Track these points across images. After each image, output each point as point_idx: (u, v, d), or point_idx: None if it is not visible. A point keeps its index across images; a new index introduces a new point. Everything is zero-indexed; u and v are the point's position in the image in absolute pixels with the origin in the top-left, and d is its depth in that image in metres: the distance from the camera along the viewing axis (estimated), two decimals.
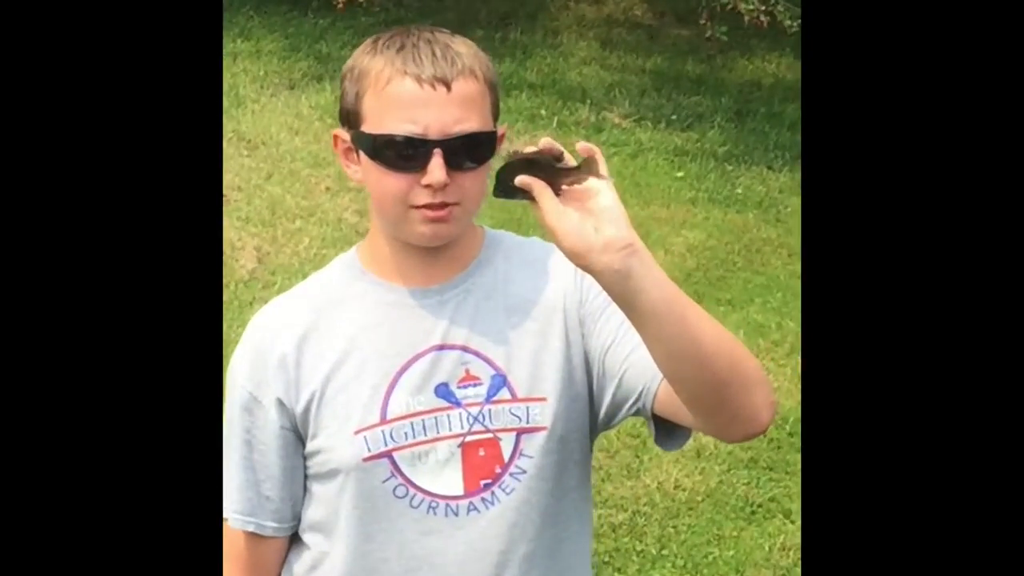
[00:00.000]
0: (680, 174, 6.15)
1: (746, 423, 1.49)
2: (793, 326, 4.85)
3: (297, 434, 1.64)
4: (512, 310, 1.64)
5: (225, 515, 1.68)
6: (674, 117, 6.74)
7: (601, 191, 1.37)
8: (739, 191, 6.05)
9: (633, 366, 1.58)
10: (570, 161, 1.39)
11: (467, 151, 1.54)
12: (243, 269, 4.99)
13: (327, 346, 1.62)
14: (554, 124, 6.46)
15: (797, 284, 5.14)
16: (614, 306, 1.50)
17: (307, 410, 1.61)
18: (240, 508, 1.67)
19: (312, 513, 1.67)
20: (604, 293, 1.51)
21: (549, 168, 1.38)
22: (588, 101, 6.80)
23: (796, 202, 5.93)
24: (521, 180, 1.37)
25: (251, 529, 1.67)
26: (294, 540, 1.71)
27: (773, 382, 4.41)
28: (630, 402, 1.60)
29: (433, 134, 1.52)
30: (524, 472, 1.61)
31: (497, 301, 1.64)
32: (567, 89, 6.96)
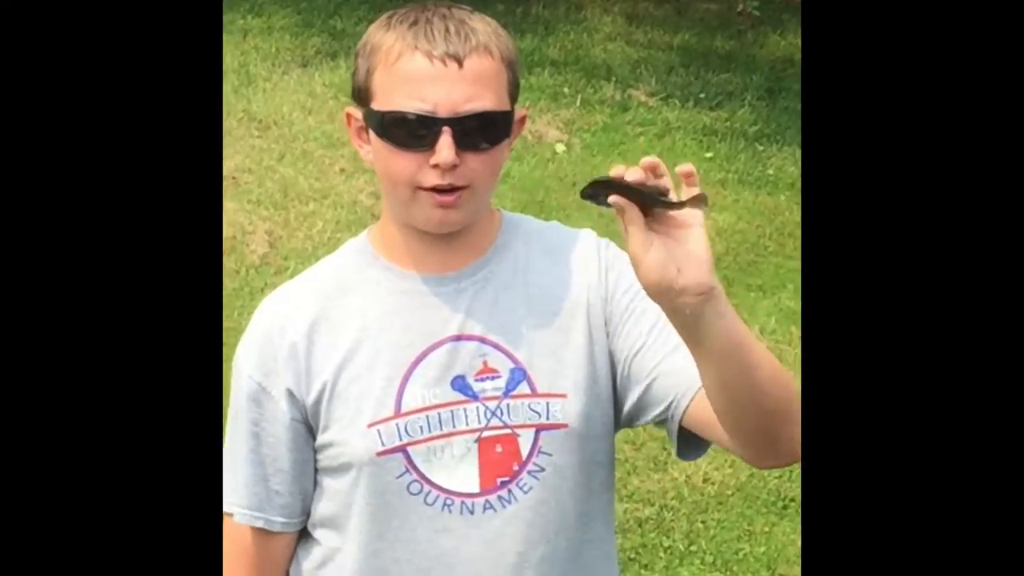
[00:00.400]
0: (709, 154, 6.12)
1: (781, 455, 1.51)
2: None
3: (308, 426, 1.62)
4: (533, 301, 1.62)
5: (230, 510, 1.66)
6: (703, 95, 6.71)
7: (692, 228, 1.35)
8: (771, 172, 6.02)
9: (664, 375, 1.57)
10: (673, 195, 1.37)
11: (479, 131, 1.53)
12: (254, 254, 4.98)
13: (339, 335, 1.61)
14: (578, 103, 6.45)
15: None
16: (643, 306, 1.55)
17: (318, 401, 1.60)
18: (247, 503, 1.65)
19: (323, 508, 1.65)
20: (632, 290, 1.56)
21: (650, 198, 1.35)
22: (613, 78, 6.78)
23: None
24: (615, 200, 1.33)
25: (259, 525, 1.65)
26: (304, 535, 1.68)
27: None
28: (657, 411, 1.59)
29: (443, 112, 1.51)
30: (543, 470, 1.59)
31: (517, 291, 1.62)
32: (591, 66, 6.94)
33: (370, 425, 1.57)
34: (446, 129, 1.50)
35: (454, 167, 1.51)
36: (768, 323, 4.65)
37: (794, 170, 6.02)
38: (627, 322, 1.59)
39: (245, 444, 1.64)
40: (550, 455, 1.59)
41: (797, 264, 5.14)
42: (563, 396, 1.59)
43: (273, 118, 6.04)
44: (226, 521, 1.65)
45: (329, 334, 1.61)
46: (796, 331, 4.64)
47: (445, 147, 1.50)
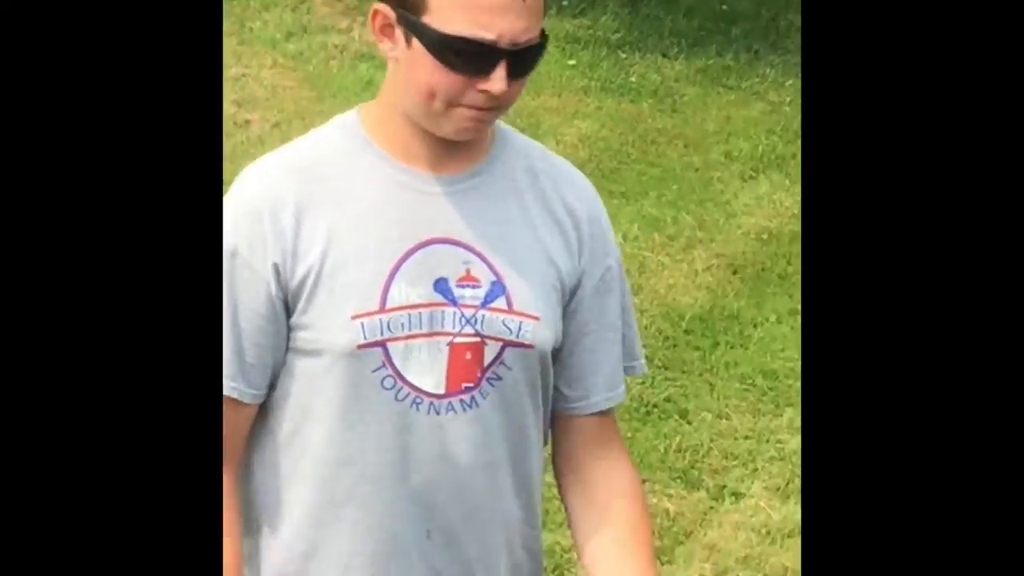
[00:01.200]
0: (572, 62, 6.12)
1: None
2: (689, 219, 4.84)
3: (286, 304, 1.62)
4: (519, 221, 1.66)
5: None
6: (565, 2, 6.67)
7: None
8: (633, 80, 6.03)
9: (588, 365, 1.70)
10: None
11: (528, 60, 1.57)
12: None
13: (328, 219, 1.61)
14: None
15: (693, 176, 5.19)
16: (605, 296, 1.69)
17: (302, 284, 1.60)
18: (224, 372, 1.63)
19: (290, 386, 1.65)
20: (604, 266, 1.69)
21: None
22: None
23: (692, 91, 5.95)
24: None
25: (233, 396, 1.63)
26: (267, 413, 1.68)
27: (668, 278, 4.50)
28: (568, 388, 1.72)
29: (504, 43, 1.53)
30: (500, 380, 1.64)
31: (507, 206, 1.66)
32: None
33: (354, 317, 1.59)
34: (504, 60, 1.53)
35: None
36: (631, 230, 4.68)
37: (656, 77, 6.03)
38: (588, 309, 1.69)
39: (222, 315, 1.62)
40: (510, 369, 1.64)
41: (659, 171, 5.22)
42: (536, 318, 1.63)
43: None
44: None
45: (318, 217, 1.60)
46: (658, 237, 4.68)
47: (499, 78, 1.53)
